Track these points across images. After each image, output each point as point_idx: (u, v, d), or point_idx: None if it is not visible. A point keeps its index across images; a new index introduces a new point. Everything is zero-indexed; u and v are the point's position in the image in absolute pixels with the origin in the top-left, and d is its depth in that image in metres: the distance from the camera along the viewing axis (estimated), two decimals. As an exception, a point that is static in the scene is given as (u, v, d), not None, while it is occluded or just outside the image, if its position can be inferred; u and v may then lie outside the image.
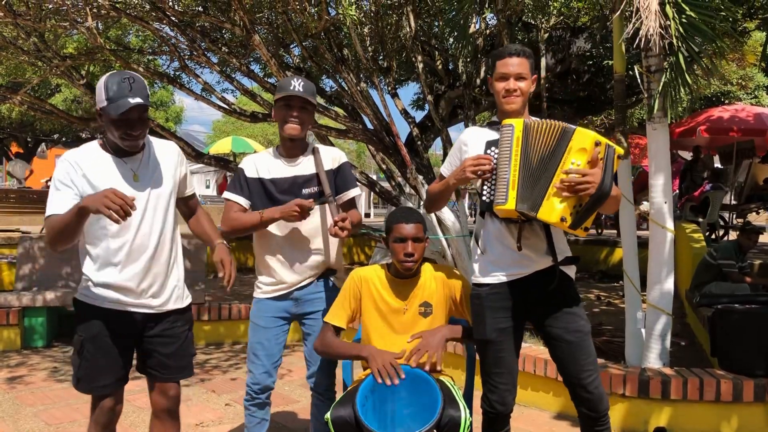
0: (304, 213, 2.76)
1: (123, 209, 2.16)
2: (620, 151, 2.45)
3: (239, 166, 3.03)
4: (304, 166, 2.94)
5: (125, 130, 2.40)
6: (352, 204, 3.03)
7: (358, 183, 6.54)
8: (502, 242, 2.59)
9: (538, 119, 2.56)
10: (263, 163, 2.96)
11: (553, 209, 2.35)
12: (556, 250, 2.57)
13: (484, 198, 2.57)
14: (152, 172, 2.53)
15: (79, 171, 2.41)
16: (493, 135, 2.60)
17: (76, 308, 2.54)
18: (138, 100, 2.36)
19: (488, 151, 2.57)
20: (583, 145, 2.37)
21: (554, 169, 2.38)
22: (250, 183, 2.94)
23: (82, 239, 2.48)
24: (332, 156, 3.00)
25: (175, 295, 2.61)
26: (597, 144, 2.37)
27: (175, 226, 2.62)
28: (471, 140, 2.68)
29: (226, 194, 2.98)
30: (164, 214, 2.55)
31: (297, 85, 2.84)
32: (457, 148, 2.74)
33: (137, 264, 2.47)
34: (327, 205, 2.90)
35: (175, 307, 2.60)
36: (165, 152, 2.61)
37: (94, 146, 2.51)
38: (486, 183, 2.54)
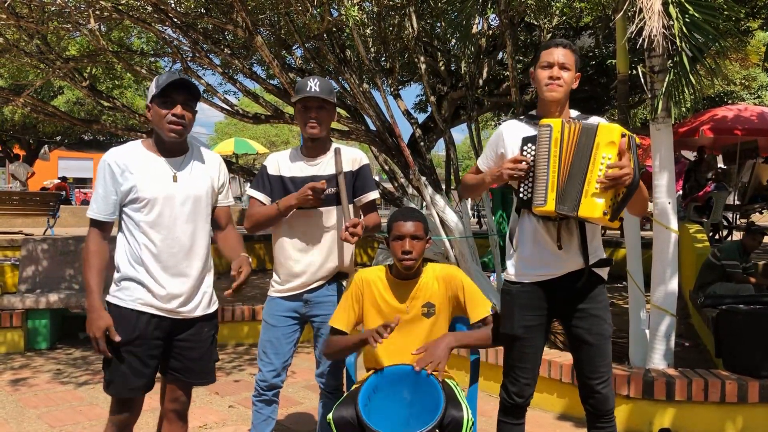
0: (317, 195, 2.78)
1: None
2: (638, 139, 2.48)
3: (264, 163, 3.10)
4: (323, 166, 2.98)
5: (172, 110, 2.46)
6: (371, 207, 3.06)
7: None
8: (537, 240, 2.61)
9: (573, 118, 2.58)
10: (285, 161, 3.03)
11: (595, 205, 2.37)
12: (589, 249, 2.59)
13: (521, 195, 2.59)
14: (191, 176, 2.57)
15: (121, 169, 2.48)
16: (529, 131, 2.61)
17: (108, 309, 2.53)
18: (184, 81, 2.50)
19: (524, 148, 2.58)
20: (612, 139, 2.39)
21: (586, 167, 2.40)
22: (272, 180, 3.01)
23: (122, 232, 2.53)
24: (352, 157, 3.02)
25: (205, 301, 2.62)
26: (623, 135, 2.39)
27: (209, 233, 2.64)
28: (508, 135, 2.69)
29: (250, 191, 3.06)
30: (200, 218, 2.58)
31: (313, 85, 2.88)
32: (494, 142, 2.75)
33: (171, 265, 2.50)
34: (342, 209, 2.90)
35: (204, 313, 2.62)
36: (207, 159, 2.67)
37: (137, 145, 2.58)
38: (524, 182, 2.56)
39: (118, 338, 2.44)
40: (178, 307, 2.53)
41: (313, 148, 2.99)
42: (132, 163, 2.50)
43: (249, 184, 3.23)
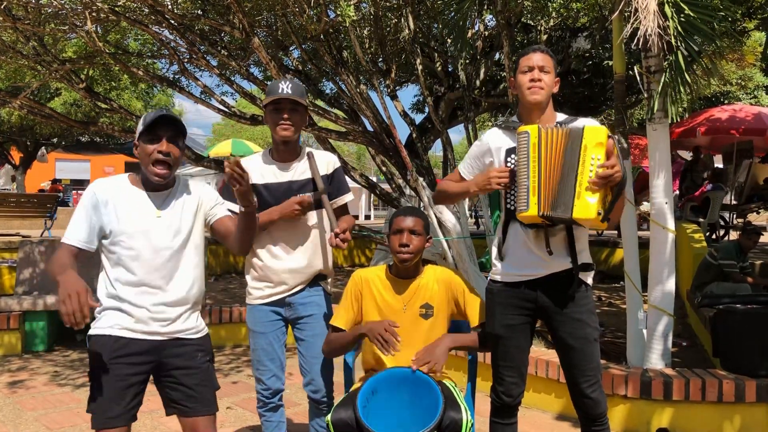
0: (305, 210, 2.77)
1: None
2: (622, 141, 2.52)
3: None
4: (299, 171, 2.93)
5: (157, 146, 2.40)
6: (345, 210, 3.06)
7: (358, 185, 6.55)
8: (525, 247, 2.63)
9: (560, 122, 2.62)
10: (255, 168, 2.93)
11: (589, 206, 2.38)
12: (577, 254, 2.61)
13: (508, 206, 2.65)
14: (173, 211, 2.52)
15: (105, 200, 2.46)
16: (513, 142, 2.64)
17: (88, 345, 2.49)
18: (170, 117, 2.43)
19: (508, 160, 2.64)
20: (599, 140, 2.41)
21: (575, 169, 2.41)
22: None
23: (102, 266, 2.49)
24: (326, 161, 3.00)
25: (186, 326, 2.55)
26: (609, 136, 2.42)
27: (197, 264, 2.58)
28: (494, 145, 2.72)
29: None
30: (187, 251, 2.52)
31: (285, 87, 2.82)
32: (480, 152, 2.78)
33: (150, 296, 2.45)
34: (324, 212, 2.90)
35: (187, 337, 2.55)
36: (192, 192, 2.60)
37: (124, 179, 2.55)
38: (509, 192, 2.61)
39: (97, 304, 2.27)
40: (157, 329, 2.47)
41: (285, 152, 2.93)
42: (115, 196, 2.48)
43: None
